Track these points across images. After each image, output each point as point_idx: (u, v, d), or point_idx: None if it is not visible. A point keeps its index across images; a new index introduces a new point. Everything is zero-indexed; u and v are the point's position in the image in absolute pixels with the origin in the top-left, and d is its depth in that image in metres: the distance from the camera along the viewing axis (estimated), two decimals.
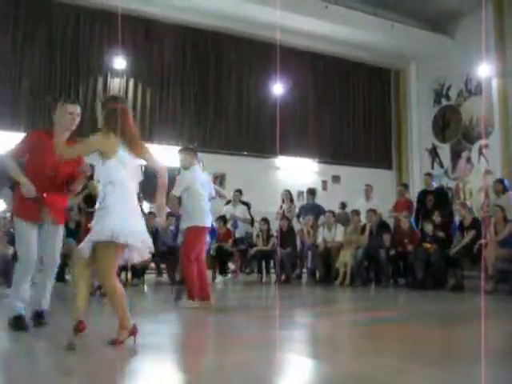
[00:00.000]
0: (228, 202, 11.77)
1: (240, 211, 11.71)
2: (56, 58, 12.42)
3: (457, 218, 10.66)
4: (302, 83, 14.98)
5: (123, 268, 9.95)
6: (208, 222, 6.81)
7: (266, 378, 3.29)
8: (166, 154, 12.96)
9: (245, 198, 12.17)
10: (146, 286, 9.88)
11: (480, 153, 14.48)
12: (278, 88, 13.46)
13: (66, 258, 7.54)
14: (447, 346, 4.58)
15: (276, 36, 12.18)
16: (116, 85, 12.95)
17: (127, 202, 4.06)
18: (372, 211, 10.77)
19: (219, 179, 13.48)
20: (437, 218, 9.88)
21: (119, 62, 12.36)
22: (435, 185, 11.71)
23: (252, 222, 12.03)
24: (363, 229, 10.72)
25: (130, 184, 4.14)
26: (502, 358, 4.05)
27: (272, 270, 11.56)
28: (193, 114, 13.79)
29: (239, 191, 11.99)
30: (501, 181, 10.70)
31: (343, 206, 12.44)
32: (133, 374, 3.53)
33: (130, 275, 10.19)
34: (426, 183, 11.43)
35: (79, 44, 12.65)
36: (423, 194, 11.15)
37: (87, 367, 3.55)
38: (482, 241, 8.97)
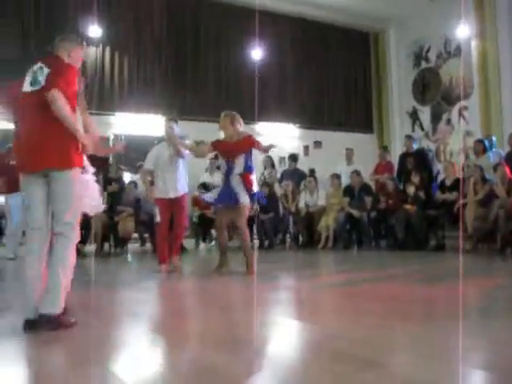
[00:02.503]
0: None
1: (217, 179, 11.68)
2: (30, 28, 12.18)
3: (438, 179, 10.76)
4: (280, 48, 14.86)
5: (106, 238, 10.00)
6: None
7: (249, 340, 3.33)
8: (144, 123, 13.06)
9: None
10: (129, 256, 9.90)
11: (460, 114, 14.52)
12: (256, 53, 13.35)
13: None
14: (427, 304, 4.65)
15: (254, 1, 12.04)
16: (92, 54, 12.76)
17: None
18: (355, 172, 10.83)
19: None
20: (415, 177, 9.95)
21: (94, 30, 12.16)
22: (415, 147, 11.74)
23: None
24: (345, 191, 10.79)
25: None
26: (480, 313, 4.12)
27: (255, 236, 11.60)
28: (171, 81, 13.66)
29: (214, 158, 11.96)
30: (481, 141, 10.77)
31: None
32: (120, 342, 3.56)
33: (112, 245, 10.23)
34: (406, 145, 11.50)
35: (52, 13, 12.41)
36: (404, 157, 11.21)
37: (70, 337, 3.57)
38: (461, 201, 9.07)
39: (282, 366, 2.86)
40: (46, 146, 3.73)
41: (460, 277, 4.75)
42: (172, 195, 7.10)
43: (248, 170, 6.57)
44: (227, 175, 6.63)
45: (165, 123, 7.48)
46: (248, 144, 6.57)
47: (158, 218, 7.09)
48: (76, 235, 3.81)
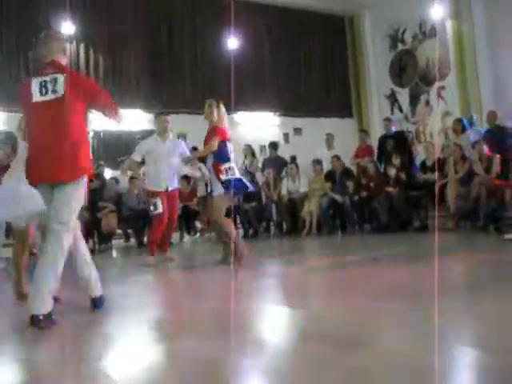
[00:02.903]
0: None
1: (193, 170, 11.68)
2: (1, 25, 12.02)
3: (418, 160, 10.81)
4: (255, 37, 14.78)
5: (90, 234, 9.93)
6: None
7: (239, 328, 3.32)
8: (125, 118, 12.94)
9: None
10: (114, 251, 9.86)
11: (438, 95, 14.57)
12: (232, 42, 13.28)
13: None
14: (412, 283, 4.67)
15: None
16: (67, 51, 12.60)
17: None
18: (335, 157, 10.85)
19: (180, 139, 13.37)
20: (395, 159, 10.00)
21: (68, 27, 12.00)
22: (394, 129, 11.76)
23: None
24: (327, 176, 10.80)
25: None
26: (465, 290, 4.15)
27: (239, 226, 11.60)
28: (147, 75, 13.54)
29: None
30: (460, 120, 10.82)
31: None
32: (108, 337, 3.54)
33: (96, 241, 10.17)
34: (386, 128, 11.52)
35: (24, 10, 12.23)
36: (383, 139, 11.24)
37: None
38: (439, 182, 9.14)
39: (269, 351, 2.86)
40: (77, 156, 3.88)
41: (436, 255, 4.78)
42: (169, 188, 7.20)
43: (216, 159, 6.45)
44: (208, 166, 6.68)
45: (157, 118, 7.48)
46: (209, 137, 6.53)
47: (159, 210, 7.09)
48: (69, 238, 3.81)
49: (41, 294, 3.61)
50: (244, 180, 6.66)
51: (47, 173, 3.83)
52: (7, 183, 4.51)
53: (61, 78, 3.85)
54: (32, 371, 2.81)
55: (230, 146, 6.57)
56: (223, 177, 6.37)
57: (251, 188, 6.95)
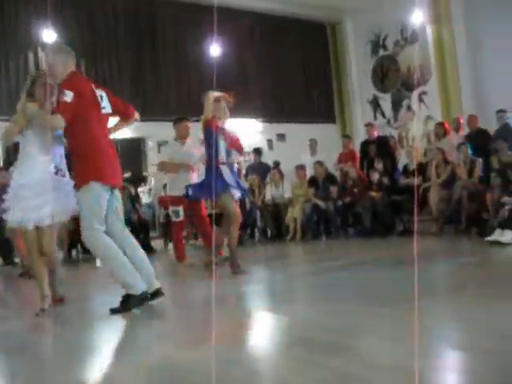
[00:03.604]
0: None
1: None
2: None
3: (400, 165, 10.85)
4: (239, 43, 14.80)
5: (73, 245, 9.84)
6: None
7: (225, 334, 3.32)
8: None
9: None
10: (98, 261, 9.77)
11: (420, 100, 14.67)
12: (214, 49, 13.28)
13: None
14: (396, 287, 4.67)
15: None
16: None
17: None
18: (318, 163, 10.87)
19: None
20: (378, 164, 10.04)
21: (49, 35, 11.92)
22: (376, 134, 11.78)
23: None
24: (310, 182, 10.82)
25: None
26: (448, 293, 4.17)
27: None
28: (130, 82, 13.49)
29: None
30: (442, 124, 10.90)
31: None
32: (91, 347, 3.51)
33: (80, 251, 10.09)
34: (368, 133, 11.53)
35: (4, 18, 12.16)
36: (365, 144, 11.27)
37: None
38: (417, 185, 9.22)
39: (253, 356, 2.86)
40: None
41: (416, 258, 4.80)
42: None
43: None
44: None
45: (178, 123, 7.71)
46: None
47: (181, 217, 7.15)
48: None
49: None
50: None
51: (119, 178, 4.44)
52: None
53: (104, 94, 4.38)
54: None
55: None
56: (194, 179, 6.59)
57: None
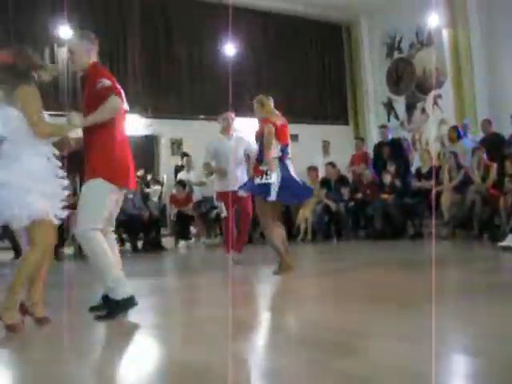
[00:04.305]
0: (182, 168, 11.85)
1: (193, 176, 11.72)
2: None
3: (413, 168, 10.81)
4: (254, 43, 14.81)
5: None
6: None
7: (233, 334, 3.32)
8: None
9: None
10: None
11: (434, 103, 14.60)
12: (229, 49, 13.30)
13: None
14: (407, 290, 4.66)
15: None
16: (63, 55, 12.59)
17: None
18: (330, 164, 10.85)
19: (177, 145, 13.47)
20: (390, 167, 10.02)
21: (65, 31, 11.99)
22: (390, 136, 11.75)
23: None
24: (322, 183, 10.80)
25: None
26: (458, 297, 4.15)
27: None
28: (144, 80, 13.53)
29: (189, 156, 12.06)
30: (455, 128, 10.85)
31: None
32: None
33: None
34: (382, 135, 11.48)
35: (21, 14, 12.23)
36: (379, 146, 11.24)
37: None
38: (434, 189, 9.17)
39: (260, 357, 2.86)
40: None
41: (432, 263, 4.78)
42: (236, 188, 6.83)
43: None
44: None
45: (222, 115, 7.49)
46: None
47: (225, 213, 7.12)
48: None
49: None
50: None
51: (132, 179, 4.18)
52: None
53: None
54: None
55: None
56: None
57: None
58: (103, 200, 3.96)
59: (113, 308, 3.87)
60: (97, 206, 3.94)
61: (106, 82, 3.88)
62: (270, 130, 5.86)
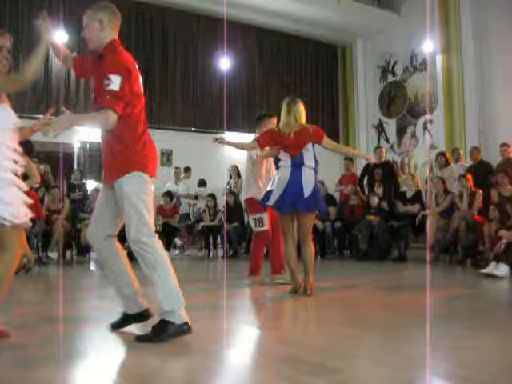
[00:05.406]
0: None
1: (182, 188, 11.72)
2: None
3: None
4: (248, 58, 14.93)
5: (68, 246, 9.87)
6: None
7: (208, 347, 3.32)
8: None
9: (193, 174, 12.28)
10: (92, 264, 9.78)
11: (424, 128, 14.72)
12: (224, 63, 13.37)
13: None
14: (388, 312, 4.67)
15: (223, 10, 12.11)
16: (58, 61, 12.54)
17: None
18: (319, 183, 10.86)
19: (166, 156, 13.46)
20: (378, 189, 10.07)
21: (60, 37, 11.98)
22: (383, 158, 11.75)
23: (196, 198, 12.11)
24: None
25: None
26: (439, 321, 4.16)
27: (220, 245, 11.59)
28: None
29: (187, 168, 12.10)
30: (443, 154, 10.93)
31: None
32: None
33: (74, 253, 10.11)
34: (380, 156, 11.21)
35: (18, 19, 12.25)
36: (371, 167, 11.22)
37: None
38: (421, 213, 9.24)
39: (236, 373, 2.85)
40: None
41: (409, 286, 4.78)
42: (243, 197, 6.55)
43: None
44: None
45: (260, 119, 6.64)
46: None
47: (265, 227, 6.27)
48: None
49: None
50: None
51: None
52: None
53: None
54: None
55: None
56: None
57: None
58: (149, 195, 3.42)
59: (161, 329, 3.36)
60: (146, 205, 3.38)
61: (115, 86, 3.25)
62: None
